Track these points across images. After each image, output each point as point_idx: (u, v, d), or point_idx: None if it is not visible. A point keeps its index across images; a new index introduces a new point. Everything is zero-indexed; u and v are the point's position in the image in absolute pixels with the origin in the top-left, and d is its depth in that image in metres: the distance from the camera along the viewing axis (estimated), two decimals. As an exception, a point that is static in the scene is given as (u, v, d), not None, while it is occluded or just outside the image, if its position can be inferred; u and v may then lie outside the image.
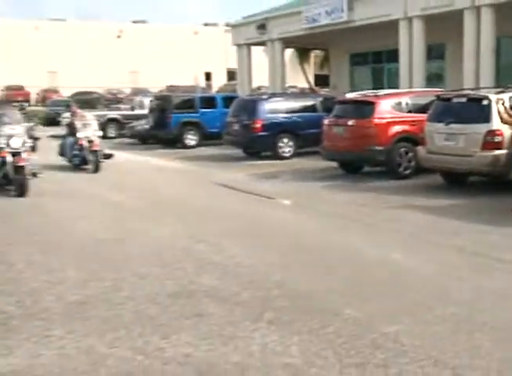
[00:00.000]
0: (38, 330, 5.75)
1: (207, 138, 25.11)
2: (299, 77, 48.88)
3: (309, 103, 21.70)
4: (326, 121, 16.55)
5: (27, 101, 56.15)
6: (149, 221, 10.87)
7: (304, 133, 20.07)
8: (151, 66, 65.52)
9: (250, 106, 20.95)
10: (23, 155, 13.56)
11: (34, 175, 13.82)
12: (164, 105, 25.99)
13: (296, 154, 20.25)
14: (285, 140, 20.36)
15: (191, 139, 25.30)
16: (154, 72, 63.84)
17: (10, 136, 13.65)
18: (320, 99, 22.30)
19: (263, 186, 14.83)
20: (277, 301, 6.43)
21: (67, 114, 20.60)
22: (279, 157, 20.13)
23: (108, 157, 18.26)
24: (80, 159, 17.97)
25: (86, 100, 39.76)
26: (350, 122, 15.52)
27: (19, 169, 13.34)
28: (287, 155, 20.28)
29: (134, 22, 72.97)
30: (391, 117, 15.25)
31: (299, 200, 12.96)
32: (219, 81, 64.24)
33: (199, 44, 69.30)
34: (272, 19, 31.06)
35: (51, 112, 39.12)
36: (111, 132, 30.02)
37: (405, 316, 5.92)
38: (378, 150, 14.91)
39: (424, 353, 5.08)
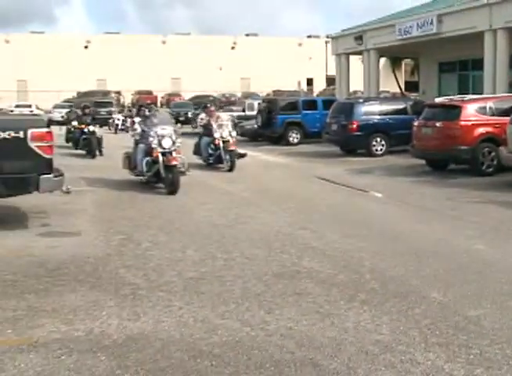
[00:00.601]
0: (161, 301, 5.88)
1: (308, 136, 25.11)
2: (391, 83, 47.89)
3: (400, 106, 21.38)
4: (415, 123, 16.34)
5: (155, 104, 57.59)
6: (257, 209, 10.93)
7: (395, 133, 19.82)
8: (260, 72, 65.85)
9: (347, 109, 20.81)
10: (174, 154, 12.84)
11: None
12: (270, 107, 26.11)
13: (387, 152, 20.00)
14: (378, 139, 20.12)
15: (294, 137, 25.37)
16: (263, 78, 64.14)
17: (162, 137, 12.96)
18: (410, 102, 21.96)
19: (358, 180, 14.67)
20: (369, 283, 6.34)
21: (203, 115, 18.81)
22: (372, 154, 19.92)
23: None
24: (215, 158, 16.87)
25: (203, 103, 40.36)
26: (438, 124, 15.25)
27: (170, 168, 12.55)
28: (379, 153, 20.04)
29: (246, 35, 73.53)
30: (476, 120, 14.88)
31: (390, 193, 12.73)
32: (319, 86, 63.85)
33: (302, 53, 69.27)
34: (368, 32, 30.67)
35: (173, 113, 39.95)
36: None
37: (486, 302, 5.71)
38: (463, 150, 14.62)
39: (504, 336, 4.90)
